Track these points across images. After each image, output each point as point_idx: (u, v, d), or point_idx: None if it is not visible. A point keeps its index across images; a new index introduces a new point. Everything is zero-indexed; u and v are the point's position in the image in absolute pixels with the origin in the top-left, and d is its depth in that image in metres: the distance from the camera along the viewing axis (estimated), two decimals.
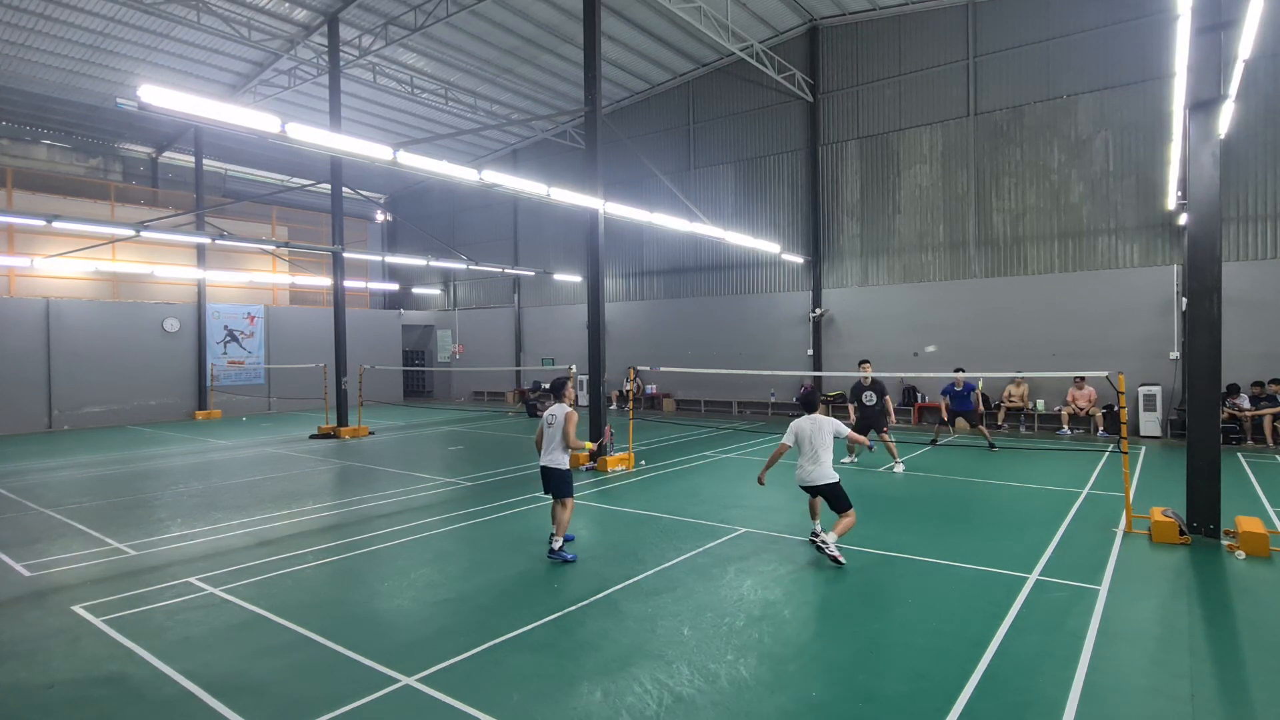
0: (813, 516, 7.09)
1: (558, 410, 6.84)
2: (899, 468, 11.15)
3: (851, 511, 6.63)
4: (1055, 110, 15.96)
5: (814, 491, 6.80)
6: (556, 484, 6.83)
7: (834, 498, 6.64)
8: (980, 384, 14.37)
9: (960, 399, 13.33)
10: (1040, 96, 16.13)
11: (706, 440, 15.14)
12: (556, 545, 6.74)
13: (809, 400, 7.11)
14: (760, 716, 3.87)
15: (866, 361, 12.13)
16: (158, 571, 6.61)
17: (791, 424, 6.90)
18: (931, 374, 15.37)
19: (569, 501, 6.84)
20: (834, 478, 6.63)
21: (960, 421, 14.59)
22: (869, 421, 11.34)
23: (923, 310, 17.74)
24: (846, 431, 6.81)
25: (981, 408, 13.69)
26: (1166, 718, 3.82)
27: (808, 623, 5.18)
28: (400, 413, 23.12)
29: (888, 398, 11.50)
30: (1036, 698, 4.01)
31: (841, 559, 6.41)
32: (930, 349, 16.94)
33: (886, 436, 11.30)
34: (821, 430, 6.70)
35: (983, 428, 13.33)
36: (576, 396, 13.28)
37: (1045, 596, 5.58)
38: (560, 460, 6.80)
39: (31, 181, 21.08)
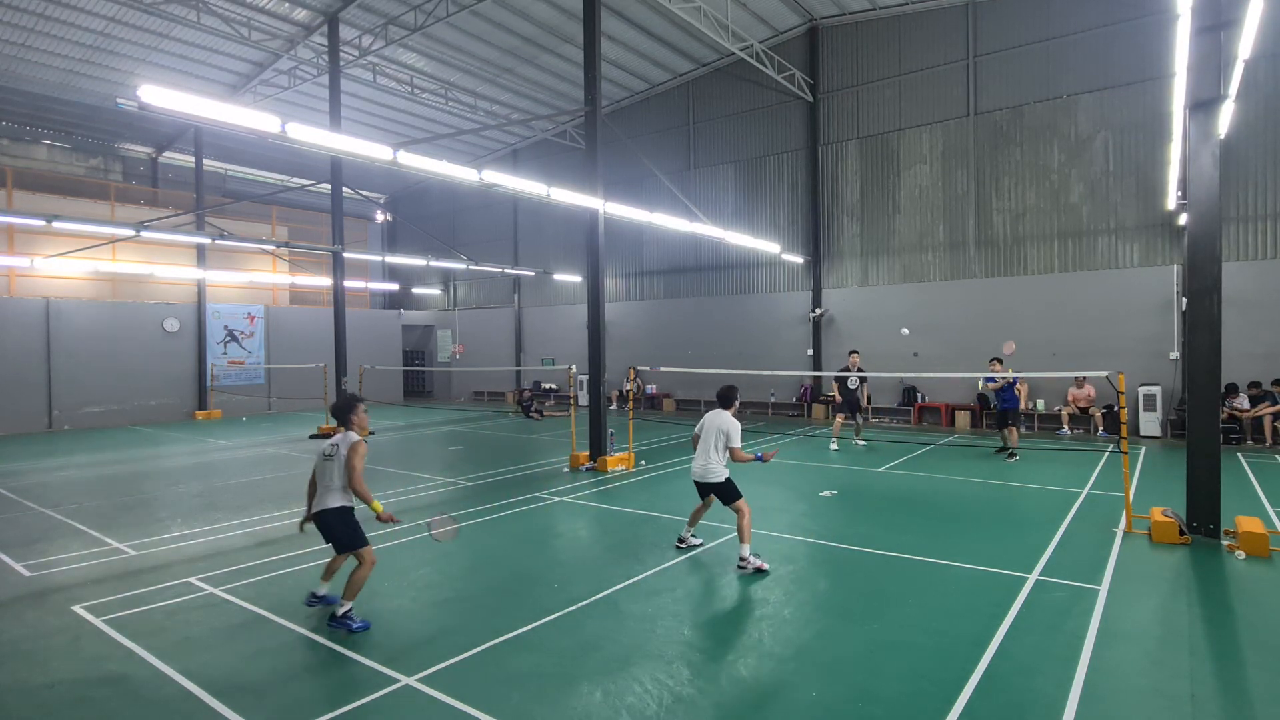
0: (691, 522, 7.06)
1: (341, 440, 5.20)
2: (859, 442, 13.63)
3: (742, 501, 6.47)
4: (1055, 110, 15.96)
5: (704, 490, 6.74)
6: (336, 531, 5.15)
7: (725, 494, 6.53)
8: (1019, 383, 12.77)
9: (1005, 393, 12.01)
10: (1040, 96, 16.14)
11: None
12: (340, 610, 5.10)
13: (722, 395, 6.97)
14: (760, 717, 3.87)
15: (855, 352, 14.05)
16: (158, 571, 6.61)
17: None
18: (930, 374, 15.36)
19: (365, 555, 5.17)
20: (721, 476, 6.49)
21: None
22: (850, 402, 13.61)
23: (923, 310, 17.74)
24: (736, 443, 6.45)
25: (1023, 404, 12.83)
26: (1166, 718, 3.82)
27: (808, 623, 5.18)
28: (400, 413, 23.11)
29: (866, 386, 13.80)
30: (1036, 698, 4.01)
31: (765, 566, 6.31)
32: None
33: (859, 419, 13.86)
34: (714, 428, 6.55)
35: (1014, 429, 12.03)
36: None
37: (1045, 596, 5.58)
38: (337, 500, 5.15)
39: (31, 181, 21.08)
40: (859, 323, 18.84)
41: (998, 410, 12.33)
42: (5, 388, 18.17)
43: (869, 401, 14.07)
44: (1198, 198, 7.20)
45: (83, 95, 20.28)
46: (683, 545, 7.02)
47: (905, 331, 16.32)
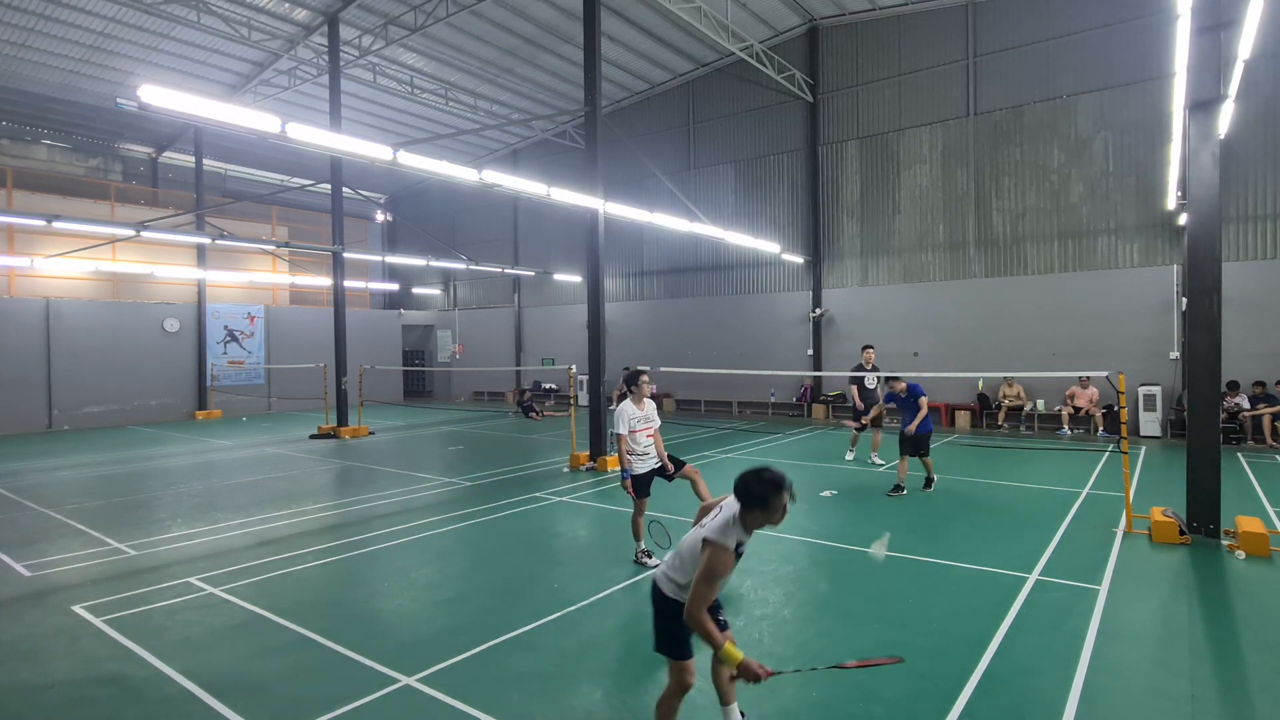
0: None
1: (722, 511, 3.23)
2: (850, 455, 11.92)
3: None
4: (1055, 110, 15.95)
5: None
6: (657, 622, 3.41)
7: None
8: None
9: (907, 407, 9.47)
10: (1040, 96, 16.13)
11: (706, 440, 15.14)
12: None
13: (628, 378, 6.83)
14: (760, 716, 3.86)
15: (869, 347, 12.31)
16: (158, 571, 6.61)
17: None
18: (932, 374, 15.35)
19: (677, 672, 3.37)
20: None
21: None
22: (870, 405, 11.80)
23: (923, 310, 17.74)
24: (621, 430, 6.59)
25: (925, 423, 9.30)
26: (1166, 718, 3.81)
27: (808, 623, 5.18)
28: (400, 413, 23.11)
29: (883, 385, 11.43)
30: (1036, 698, 4.01)
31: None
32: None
33: (878, 430, 11.73)
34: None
35: (927, 458, 9.46)
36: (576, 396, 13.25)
37: (1045, 596, 5.58)
38: (670, 585, 3.33)
39: (31, 181, 21.07)
40: (859, 323, 18.83)
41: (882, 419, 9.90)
42: (5, 388, 18.17)
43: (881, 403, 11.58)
44: (1198, 198, 7.20)
45: (83, 95, 20.27)
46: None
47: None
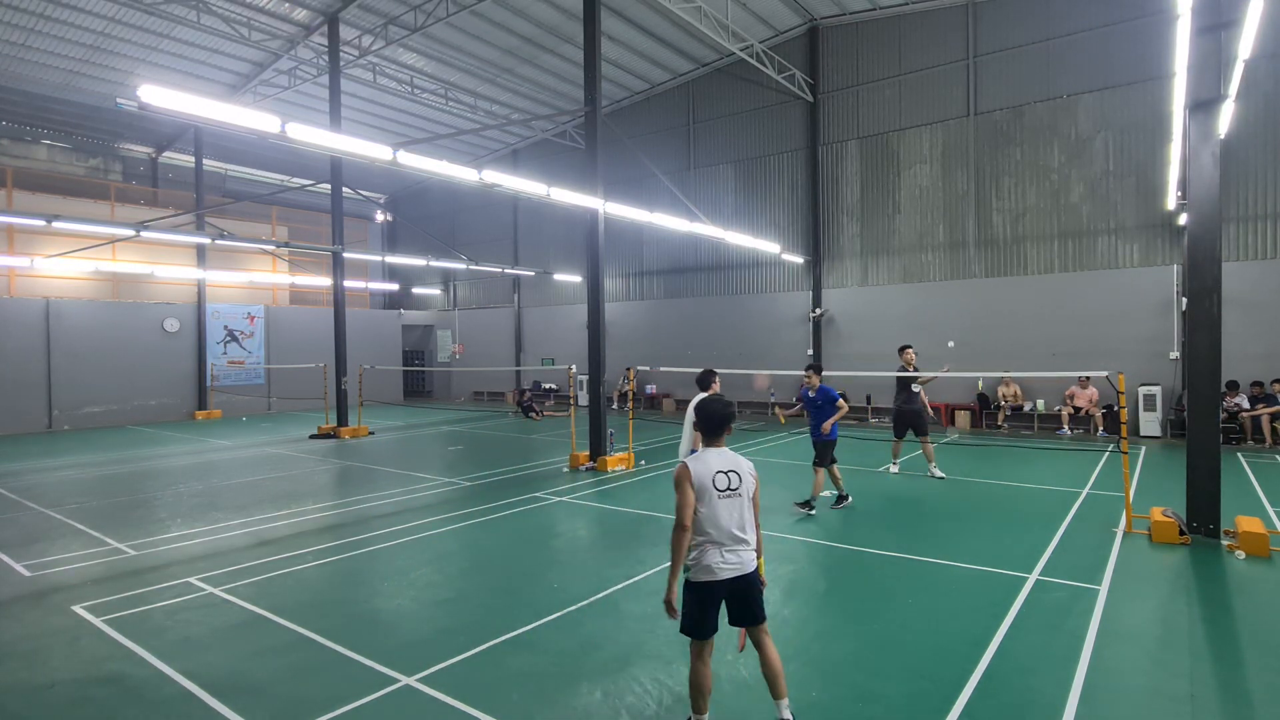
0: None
1: (739, 463, 3.94)
2: (938, 472, 10.41)
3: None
4: (1055, 110, 15.95)
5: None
6: (759, 600, 3.79)
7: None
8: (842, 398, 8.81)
9: (816, 410, 8.61)
10: (1040, 96, 16.13)
11: None
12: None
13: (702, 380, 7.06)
14: (760, 716, 3.86)
15: (908, 347, 10.81)
16: (158, 571, 6.61)
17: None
18: (930, 374, 15.29)
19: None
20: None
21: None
22: (915, 416, 10.47)
23: (923, 310, 17.73)
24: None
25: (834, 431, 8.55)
26: (1166, 718, 3.81)
27: (808, 623, 5.18)
28: (400, 413, 23.11)
29: (923, 390, 10.76)
30: (1036, 698, 4.01)
31: None
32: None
33: (927, 439, 10.55)
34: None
35: (835, 469, 8.62)
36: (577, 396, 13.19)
37: (1045, 596, 5.58)
38: (753, 556, 3.81)
39: (31, 181, 21.07)
40: (859, 323, 18.84)
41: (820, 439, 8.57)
42: (5, 388, 18.17)
43: (929, 408, 10.27)
44: (1198, 198, 7.20)
45: (83, 95, 20.27)
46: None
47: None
